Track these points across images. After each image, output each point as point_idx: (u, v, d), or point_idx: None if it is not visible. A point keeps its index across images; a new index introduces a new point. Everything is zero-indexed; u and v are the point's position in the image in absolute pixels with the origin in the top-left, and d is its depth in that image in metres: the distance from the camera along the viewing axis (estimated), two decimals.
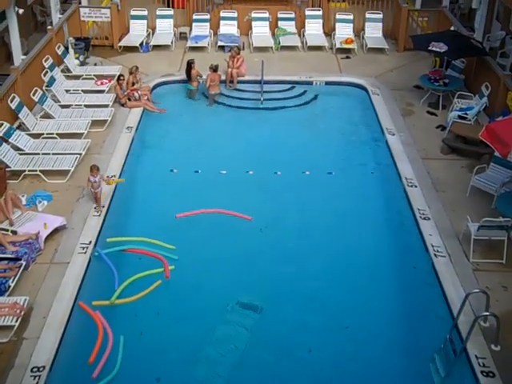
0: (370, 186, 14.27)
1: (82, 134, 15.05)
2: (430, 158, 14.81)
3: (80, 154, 14.16)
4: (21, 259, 10.86)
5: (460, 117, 15.54)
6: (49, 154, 14.11)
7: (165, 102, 17.52)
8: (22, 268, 10.71)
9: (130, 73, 17.29)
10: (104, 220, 12.46)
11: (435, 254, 11.57)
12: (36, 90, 15.65)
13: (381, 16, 21.50)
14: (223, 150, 15.49)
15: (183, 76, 18.22)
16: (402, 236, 12.65)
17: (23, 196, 12.83)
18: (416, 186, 13.64)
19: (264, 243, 12.26)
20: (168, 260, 11.57)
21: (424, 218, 12.59)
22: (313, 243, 12.32)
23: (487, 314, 9.68)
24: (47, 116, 15.80)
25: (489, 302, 9.86)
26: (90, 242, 11.76)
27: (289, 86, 18.64)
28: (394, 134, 15.78)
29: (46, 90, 16.56)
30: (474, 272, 11.20)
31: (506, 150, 11.33)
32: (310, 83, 18.78)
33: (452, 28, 18.99)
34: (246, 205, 13.20)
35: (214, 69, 17.67)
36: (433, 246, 11.78)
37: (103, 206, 12.73)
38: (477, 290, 10.01)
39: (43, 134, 14.99)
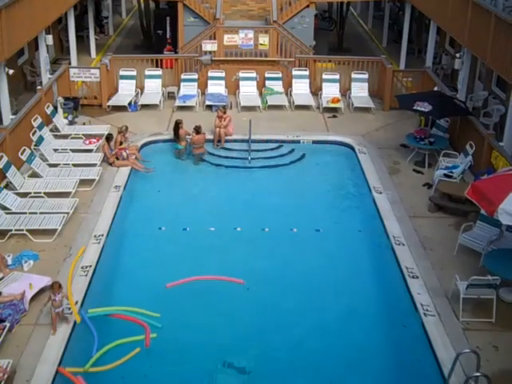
0: (358, 244, 14.28)
1: (70, 192, 15.05)
2: (417, 216, 14.88)
3: (67, 213, 14.11)
4: (5, 321, 10.68)
5: (446, 175, 15.71)
6: (36, 213, 14.03)
7: (153, 161, 17.59)
8: (5, 330, 10.52)
9: (119, 132, 17.40)
10: (91, 280, 12.31)
11: (425, 313, 11.51)
12: (24, 150, 15.67)
13: (366, 76, 21.89)
14: (211, 207, 15.54)
15: (171, 135, 18.35)
16: (390, 295, 12.58)
17: (9, 256, 12.69)
18: (404, 244, 13.66)
19: (252, 303, 12.14)
20: (151, 328, 11.28)
21: (412, 277, 12.56)
22: (300, 301, 12.23)
23: (478, 374, 9.55)
24: (35, 175, 15.78)
25: (479, 362, 9.74)
26: (77, 303, 11.58)
27: (276, 144, 18.81)
28: (381, 192, 15.88)
29: (35, 149, 16.60)
30: (464, 331, 11.13)
31: (492, 208, 11.39)
32: (298, 142, 18.96)
33: (436, 88, 19.35)
34: (234, 262, 13.22)
35: (198, 131, 17.71)
36: (422, 305, 11.72)
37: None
38: (467, 350, 9.91)
39: (30, 192, 14.95)
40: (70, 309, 11.28)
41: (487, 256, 12.42)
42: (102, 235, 13.78)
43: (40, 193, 14.94)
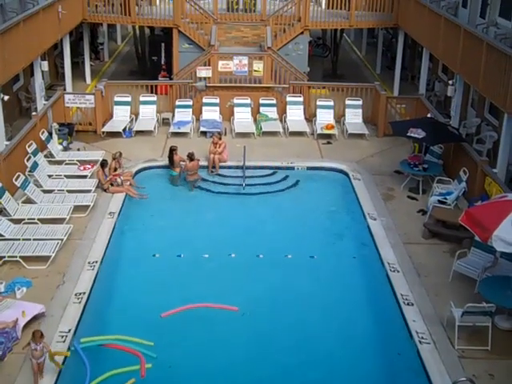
0: (352, 271, 14.25)
1: (64, 219, 15.01)
2: (411, 242, 14.88)
3: (61, 240, 14.05)
4: None
5: (440, 201, 15.74)
6: (29, 239, 13.97)
7: (147, 187, 17.56)
8: None
9: (114, 158, 17.41)
10: (84, 307, 12.22)
11: (420, 341, 11.44)
12: (18, 175, 15.61)
13: (360, 102, 22.01)
14: (205, 234, 15.50)
15: (166, 161, 18.36)
16: (385, 322, 12.52)
17: (1, 283, 12.60)
18: (398, 271, 13.63)
19: (247, 330, 12.06)
20: (146, 358, 11.13)
21: (407, 304, 12.51)
22: (295, 328, 12.17)
23: None
24: (29, 201, 15.73)
25: None
26: (70, 331, 11.49)
27: (271, 171, 18.83)
28: (375, 219, 15.88)
29: (29, 175, 16.55)
30: (459, 359, 11.07)
31: (486, 234, 11.40)
32: (292, 168, 18.99)
33: (429, 115, 19.47)
34: (228, 289, 13.16)
35: (191, 158, 17.70)
36: (417, 333, 11.66)
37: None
38: (463, 379, 9.89)
39: (24, 219, 14.88)
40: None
41: (482, 283, 12.40)
42: (96, 262, 13.71)
43: (34, 219, 14.88)
